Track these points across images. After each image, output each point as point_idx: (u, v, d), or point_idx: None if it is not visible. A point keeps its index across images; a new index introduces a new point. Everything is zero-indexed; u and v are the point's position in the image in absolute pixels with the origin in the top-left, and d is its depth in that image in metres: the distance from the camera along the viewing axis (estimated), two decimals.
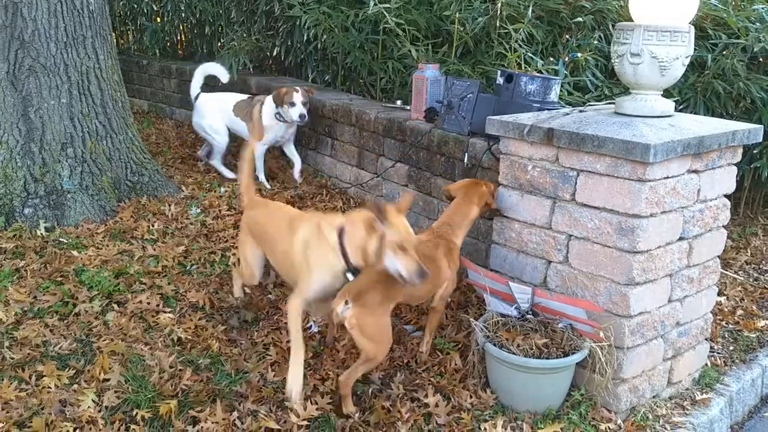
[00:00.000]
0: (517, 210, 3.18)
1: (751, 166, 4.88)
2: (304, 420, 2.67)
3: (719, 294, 4.16)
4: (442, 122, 4.03)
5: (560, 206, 3.00)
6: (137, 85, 7.79)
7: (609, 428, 2.84)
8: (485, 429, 2.73)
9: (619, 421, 2.88)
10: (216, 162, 5.30)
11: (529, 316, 3.01)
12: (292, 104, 4.87)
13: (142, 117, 7.08)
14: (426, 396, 2.89)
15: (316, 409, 2.74)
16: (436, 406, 2.82)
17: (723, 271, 4.48)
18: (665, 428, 2.92)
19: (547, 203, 3.05)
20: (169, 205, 4.48)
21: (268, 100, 5.06)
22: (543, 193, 3.06)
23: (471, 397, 2.92)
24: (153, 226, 4.19)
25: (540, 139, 2.98)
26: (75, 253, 3.75)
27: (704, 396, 3.17)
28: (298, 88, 4.94)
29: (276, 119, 5.02)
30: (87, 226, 4.08)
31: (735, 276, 4.42)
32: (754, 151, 4.83)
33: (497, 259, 3.32)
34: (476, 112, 3.72)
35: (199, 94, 5.39)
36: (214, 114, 5.28)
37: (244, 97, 5.37)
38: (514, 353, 2.82)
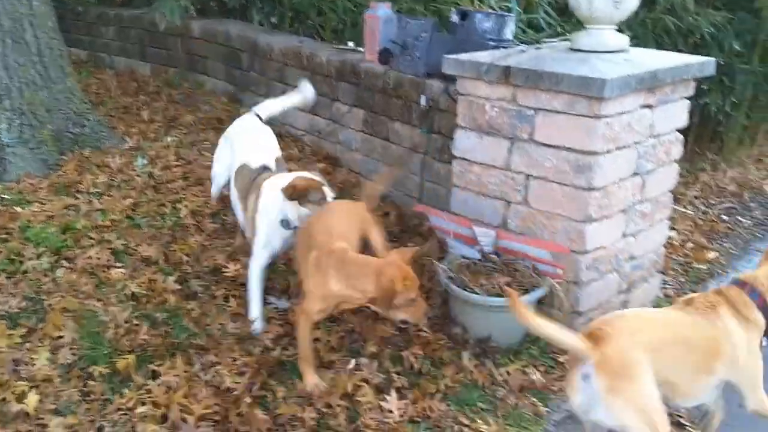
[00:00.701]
0: (476, 152, 3.15)
1: (700, 102, 4.95)
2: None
3: (670, 229, 4.27)
4: (397, 63, 3.94)
5: (518, 146, 2.99)
6: (74, 34, 7.38)
7: (567, 360, 2.91)
8: (451, 361, 2.77)
9: None
10: None
11: (492, 256, 3.03)
12: (321, 201, 2.89)
13: (80, 67, 6.73)
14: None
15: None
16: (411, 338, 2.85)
17: (673, 206, 4.58)
18: None
19: (506, 144, 3.03)
20: (114, 157, 4.31)
21: (271, 188, 2.96)
22: (501, 133, 3.03)
23: (436, 335, 2.94)
24: (98, 179, 4.04)
25: (497, 78, 2.94)
26: (18, 209, 3.60)
27: None
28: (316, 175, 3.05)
29: (282, 227, 2.96)
30: (29, 181, 3.90)
31: (685, 211, 4.54)
32: (703, 87, 4.90)
33: (458, 202, 3.31)
34: (431, 52, 3.64)
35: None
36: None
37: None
38: (476, 293, 2.84)
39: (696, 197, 4.80)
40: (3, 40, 3.95)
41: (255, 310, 2.94)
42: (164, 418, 2.43)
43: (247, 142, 3.32)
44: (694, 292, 3.59)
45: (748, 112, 5.22)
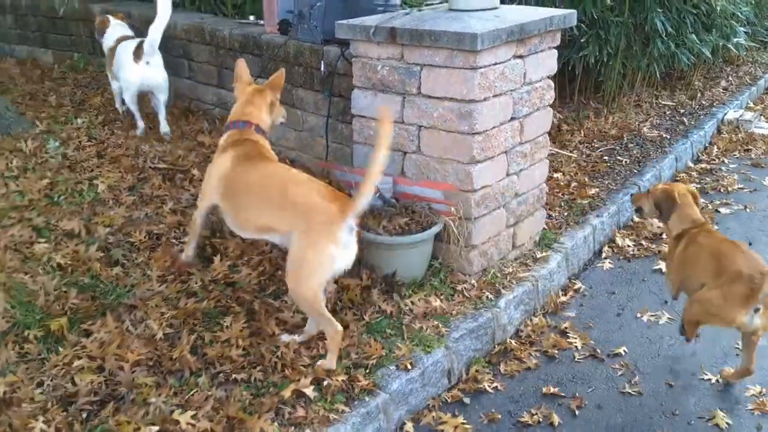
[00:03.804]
0: (372, 109, 3.45)
1: (580, 54, 5.41)
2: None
3: (556, 171, 4.73)
4: (296, 33, 4.17)
5: (409, 100, 3.30)
6: None
7: (465, 288, 3.29)
8: (365, 297, 3.09)
9: (473, 281, 3.33)
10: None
11: (392, 201, 3.35)
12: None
13: None
14: None
15: None
16: None
17: (559, 151, 5.05)
18: (512, 283, 3.41)
19: (398, 99, 3.34)
20: (25, 141, 4.37)
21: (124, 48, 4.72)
22: (393, 90, 3.34)
23: (348, 276, 3.23)
24: (12, 163, 4.10)
25: (385, 39, 3.24)
26: None
27: (544, 254, 3.69)
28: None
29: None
30: None
31: (569, 154, 4.99)
32: (582, 40, 5.35)
33: (359, 157, 3.60)
34: (327, 20, 3.88)
35: None
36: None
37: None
38: (379, 233, 3.16)
39: (581, 142, 5.28)
40: None
41: None
42: (101, 369, 2.63)
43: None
44: (576, 224, 4.06)
45: (624, 61, 5.71)
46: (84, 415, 2.43)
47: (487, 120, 3.17)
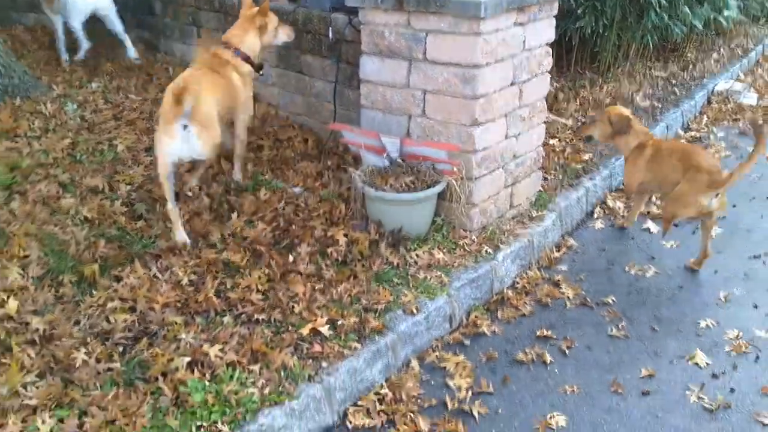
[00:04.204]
0: (380, 74, 3.65)
1: (577, 25, 5.60)
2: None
3: (552, 137, 4.94)
4: (305, 1, 4.35)
5: (415, 66, 3.50)
6: None
7: (466, 243, 3.52)
8: (373, 250, 3.33)
9: (474, 237, 3.57)
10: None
11: (399, 161, 3.57)
12: None
13: None
14: (324, 229, 3.44)
15: None
16: (335, 235, 3.39)
17: (556, 118, 5.27)
18: (510, 239, 3.65)
19: (404, 64, 3.54)
20: (45, 104, 4.56)
21: None
22: (400, 55, 3.53)
23: (358, 231, 3.47)
24: (34, 124, 4.30)
25: (392, 6, 3.43)
26: None
27: (539, 213, 3.93)
28: None
29: None
30: None
31: (565, 122, 5.21)
32: (578, 12, 5.54)
33: (367, 121, 3.81)
34: None
35: None
36: None
37: None
38: (386, 190, 3.39)
39: (576, 110, 5.48)
40: None
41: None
42: (132, 309, 2.87)
43: None
44: (570, 186, 4.30)
45: (619, 33, 5.91)
46: (120, 349, 2.67)
47: (488, 84, 3.37)
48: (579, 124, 4.76)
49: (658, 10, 5.69)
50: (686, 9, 5.86)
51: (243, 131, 3.83)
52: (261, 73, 3.86)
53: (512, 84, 3.56)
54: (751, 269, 3.69)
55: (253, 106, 3.91)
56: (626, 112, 3.99)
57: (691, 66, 6.92)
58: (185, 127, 3.15)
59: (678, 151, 3.72)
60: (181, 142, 3.19)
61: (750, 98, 6.40)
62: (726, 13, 6.31)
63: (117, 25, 5.28)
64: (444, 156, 3.43)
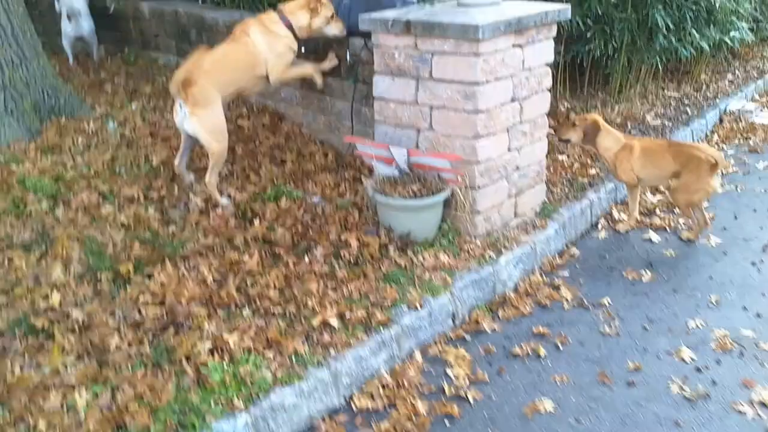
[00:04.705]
0: (391, 92, 3.96)
1: (587, 48, 5.85)
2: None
3: (561, 153, 5.18)
4: None
5: (422, 84, 3.80)
6: None
7: (470, 247, 3.77)
8: (383, 253, 3.60)
9: (478, 242, 3.82)
10: None
11: (407, 171, 3.85)
12: None
13: None
14: (339, 233, 3.73)
15: None
16: (348, 239, 3.67)
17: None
18: (513, 245, 3.88)
19: (413, 83, 3.84)
20: (88, 123, 4.97)
21: None
22: (408, 75, 3.84)
23: (370, 236, 3.75)
24: (77, 140, 4.70)
25: (401, 30, 3.74)
26: (14, 166, 4.24)
27: (542, 222, 4.16)
28: None
29: None
30: (18, 145, 4.55)
31: None
32: (588, 35, 5.79)
33: (380, 135, 4.11)
34: (352, 14, 4.40)
35: None
36: None
37: None
38: (394, 197, 3.67)
39: None
40: None
41: None
42: (162, 303, 3.18)
43: None
44: (576, 198, 4.52)
45: (629, 55, 6.13)
46: (150, 336, 2.98)
47: (489, 100, 3.65)
48: (556, 124, 5.15)
49: (665, 33, 5.90)
50: (694, 32, 6.06)
51: (283, 75, 4.36)
52: (301, 50, 4.45)
53: (513, 100, 3.83)
54: (746, 275, 3.86)
55: (289, 58, 4.36)
56: (598, 118, 4.37)
57: (704, 87, 7.09)
58: (181, 107, 3.95)
59: (668, 147, 4.23)
60: (179, 118, 4.00)
61: (762, 117, 6.54)
62: (732, 34, 6.48)
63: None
64: (447, 165, 3.70)
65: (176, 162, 4.23)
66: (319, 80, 4.55)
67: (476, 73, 3.54)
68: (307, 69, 4.51)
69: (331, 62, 4.57)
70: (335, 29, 4.38)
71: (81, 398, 2.61)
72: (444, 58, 3.64)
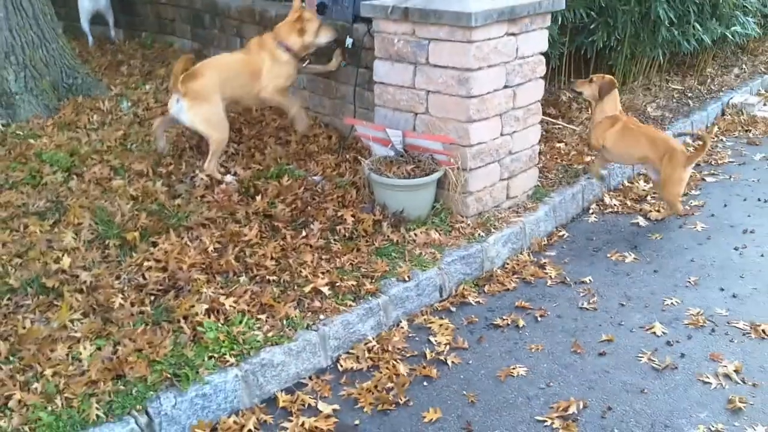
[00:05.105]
0: (390, 76, 4.13)
1: (590, 40, 5.96)
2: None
3: (559, 141, 5.32)
4: (331, 13, 4.87)
5: (420, 69, 3.96)
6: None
7: (461, 226, 3.94)
8: (377, 229, 3.78)
9: (469, 222, 3.99)
10: None
11: (402, 152, 4.03)
12: None
13: None
14: (336, 210, 3.91)
15: None
16: (344, 215, 3.85)
17: (566, 125, 5.64)
18: (503, 225, 4.05)
19: (410, 68, 4.01)
20: (103, 102, 5.20)
21: None
22: (407, 60, 4.00)
23: (365, 213, 3.93)
24: (92, 118, 4.93)
25: (400, 17, 3.91)
26: (32, 141, 4.49)
27: (533, 205, 4.32)
28: None
29: None
30: (37, 121, 4.79)
31: (574, 128, 5.57)
32: (591, 27, 5.91)
33: (380, 118, 4.29)
34: (356, 2, 4.58)
35: None
36: None
37: None
38: (389, 176, 3.84)
39: (587, 118, 5.83)
40: (6, 7, 4.80)
41: None
42: (164, 269, 3.38)
43: None
44: (569, 184, 4.66)
45: (633, 48, 6.24)
46: (151, 298, 3.19)
47: (482, 86, 3.81)
48: (573, 80, 5.49)
49: (667, 25, 6.00)
50: (696, 25, 6.15)
51: (272, 95, 4.50)
52: (304, 64, 4.66)
53: (506, 87, 3.98)
54: (727, 258, 3.99)
55: (283, 82, 4.52)
56: (615, 83, 4.55)
57: (709, 80, 7.17)
58: (177, 101, 4.13)
59: (646, 134, 4.44)
60: (174, 110, 4.18)
61: (764, 111, 6.61)
62: (734, 28, 6.55)
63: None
64: (440, 147, 3.87)
65: (155, 123, 4.49)
66: (300, 126, 4.76)
67: (469, 60, 3.70)
68: (293, 108, 4.69)
69: (337, 59, 4.73)
70: (324, 38, 4.54)
71: (85, 350, 2.83)
72: (440, 44, 3.80)
